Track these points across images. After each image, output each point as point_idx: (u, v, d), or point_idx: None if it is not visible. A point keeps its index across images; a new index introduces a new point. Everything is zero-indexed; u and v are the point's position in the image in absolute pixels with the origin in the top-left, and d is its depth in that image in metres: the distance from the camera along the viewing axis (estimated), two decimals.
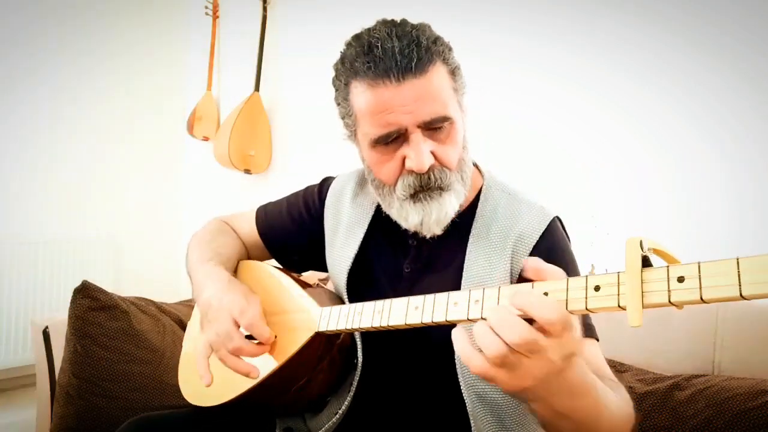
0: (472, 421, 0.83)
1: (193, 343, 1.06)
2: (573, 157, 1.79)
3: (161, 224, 3.09)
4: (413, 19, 0.88)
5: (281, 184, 2.71)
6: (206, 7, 2.92)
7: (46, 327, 1.49)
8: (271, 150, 2.72)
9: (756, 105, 1.48)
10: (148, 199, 3.04)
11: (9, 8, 2.53)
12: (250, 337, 0.87)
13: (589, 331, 0.85)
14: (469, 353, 0.57)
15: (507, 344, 0.54)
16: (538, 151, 1.86)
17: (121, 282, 2.78)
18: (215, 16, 2.94)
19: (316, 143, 2.57)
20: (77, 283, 1.38)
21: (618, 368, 1.32)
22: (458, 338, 0.58)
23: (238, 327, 0.86)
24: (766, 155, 1.47)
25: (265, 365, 0.86)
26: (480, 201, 0.92)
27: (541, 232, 0.86)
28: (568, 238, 0.93)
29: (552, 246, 0.87)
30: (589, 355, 0.79)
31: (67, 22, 2.71)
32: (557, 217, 0.91)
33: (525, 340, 0.53)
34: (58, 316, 1.51)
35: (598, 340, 0.86)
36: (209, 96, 2.92)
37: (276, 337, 0.88)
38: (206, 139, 2.88)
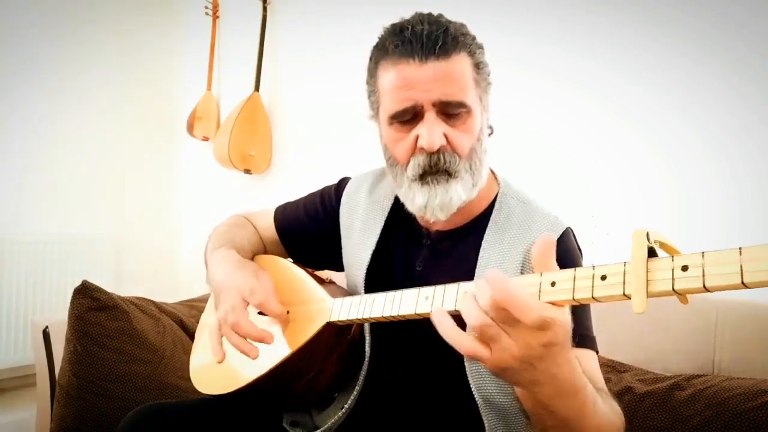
0: (486, 423, 0.83)
1: (206, 324, 1.08)
2: (573, 157, 1.79)
3: (161, 224, 3.09)
4: None
5: (281, 184, 2.71)
6: (206, 7, 2.92)
7: (46, 327, 1.49)
8: (271, 150, 2.72)
9: (756, 105, 1.48)
10: (148, 199, 3.04)
11: (9, 8, 2.53)
12: (262, 315, 0.89)
13: (588, 342, 0.85)
14: (457, 334, 0.59)
15: (484, 312, 0.57)
16: (538, 151, 1.86)
17: (121, 282, 2.78)
18: (215, 16, 2.94)
19: (316, 143, 2.57)
20: (77, 283, 1.38)
21: (618, 368, 1.32)
22: (443, 321, 0.60)
23: (247, 305, 0.88)
24: (766, 155, 1.47)
25: (276, 354, 0.87)
26: (495, 208, 0.93)
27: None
28: (579, 249, 0.94)
29: (562, 257, 0.87)
30: (584, 367, 0.79)
31: (67, 21, 2.71)
32: (570, 228, 0.92)
33: (477, 323, 0.57)
34: (58, 316, 1.51)
35: (597, 352, 0.86)
36: (209, 96, 2.92)
37: (288, 312, 0.90)
38: (206, 139, 2.88)
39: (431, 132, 0.82)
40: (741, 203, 1.50)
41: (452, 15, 0.98)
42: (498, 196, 0.95)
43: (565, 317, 0.58)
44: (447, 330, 0.59)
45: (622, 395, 1.20)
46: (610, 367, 1.32)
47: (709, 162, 1.55)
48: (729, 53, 1.52)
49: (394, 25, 0.87)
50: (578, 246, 0.94)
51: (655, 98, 1.65)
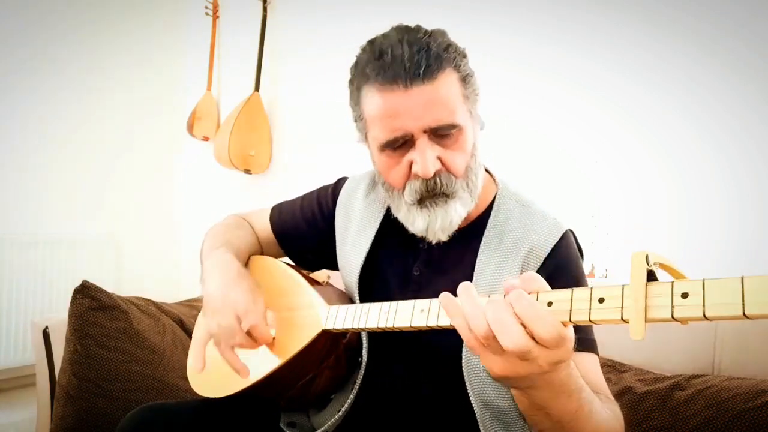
0: (481, 427, 0.83)
1: (196, 339, 1.08)
2: (573, 157, 1.79)
3: (161, 224, 3.09)
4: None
5: (281, 184, 2.71)
6: (206, 7, 2.92)
7: (46, 327, 1.49)
8: (271, 150, 2.72)
9: (756, 105, 1.48)
10: (148, 199, 3.04)
11: (10, 8, 2.53)
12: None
13: (590, 346, 0.85)
14: (461, 324, 0.59)
15: (501, 346, 0.56)
16: (539, 151, 1.86)
17: (121, 282, 2.78)
18: (215, 16, 2.94)
19: (316, 143, 2.57)
20: (77, 283, 1.38)
21: (618, 368, 1.32)
22: (451, 306, 0.60)
23: (241, 323, 0.87)
24: (766, 155, 1.47)
25: (272, 360, 0.87)
26: (493, 210, 0.92)
27: (553, 244, 0.86)
28: (580, 251, 0.93)
29: (562, 259, 0.87)
30: (586, 370, 0.79)
31: (67, 21, 2.71)
32: (570, 230, 0.91)
33: (519, 349, 0.55)
34: (58, 316, 1.51)
35: (598, 355, 0.86)
36: (209, 96, 2.92)
37: (274, 339, 0.89)
38: (206, 139, 2.88)
39: (425, 159, 0.81)
40: (741, 203, 1.50)
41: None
42: (496, 198, 0.93)
43: (572, 334, 0.59)
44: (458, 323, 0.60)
45: (622, 395, 1.20)
46: (610, 367, 1.32)
47: (709, 162, 1.55)
48: (729, 53, 1.52)
49: (372, 46, 0.84)
50: (579, 247, 0.93)
51: (655, 98, 1.65)
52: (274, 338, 0.89)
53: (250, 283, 0.93)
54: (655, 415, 1.16)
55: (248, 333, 0.87)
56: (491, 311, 0.57)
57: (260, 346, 0.88)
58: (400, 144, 0.83)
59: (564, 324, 0.57)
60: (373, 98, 0.83)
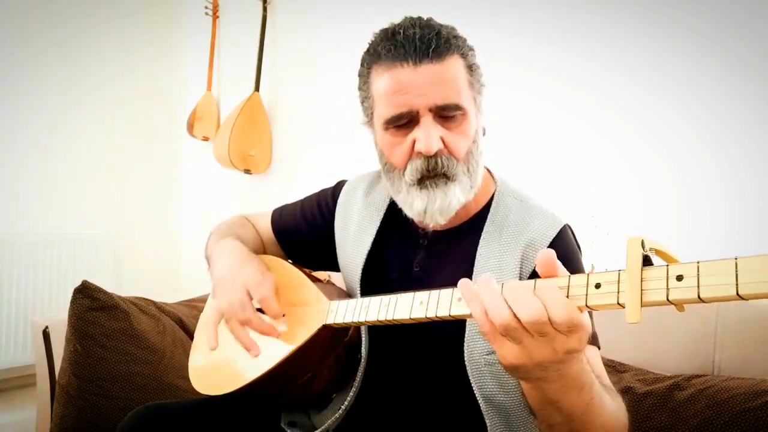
0: (487, 421, 0.84)
1: (205, 322, 1.09)
2: (573, 157, 1.80)
3: (161, 224, 3.09)
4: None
5: (281, 184, 2.71)
6: (206, 7, 2.92)
7: (46, 327, 1.49)
8: (271, 150, 2.72)
9: (756, 105, 1.48)
10: (148, 199, 3.04)
11: (10, 8, 2.53)
12: (260, 312, 0.90)
13: (592, 339, 0.85)
14: (481, 316, 0.59)
15: (517, 318, 0.56)
16: (538, 151, 1.86)
17: (121, 282, 2.78)
18: (215, 16, 2.94)
19: (316, 143, 2.57)
20: (77, 283, 1.38)
21: (618, 368, 1.32)
22: (472, 299, 0.60)
23: (251, 299, 0.89)
24: (766, 155, 1.47)
25: (273, 355, 0.87)
26: (492, 206, 0.93)
27: (551, 238, 0.87)
28: (578, 246, 0.93)
29: (561, 253, 0.87)
30: (590, 362, 0.79)
31: (67, 22, 2.71)
32: (568, 225, 0.92)
33: (535, 319, 0.55)
34: (58, 316, 1.51)
35: (599, 348, 0.86)
36: (209, 96, 2.92)
37: (284, 315, 0.90)
38: (206, 139, 2.88)
39: (428, 136, 0.82)
40: (741, 203, 1.50)
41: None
42: (495, 195, 0.94)
43: (588, 322, 0.59)
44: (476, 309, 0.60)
45: (622, 395, 1.20)
46: (611, 367, 1.32)
47: (709, 162, 1.55)
48: (729, 53, 1.52)
49: (384, 30, 0.87)
50: (577, 243, 0.94)
51: (655, 98, 1.65)
52: (284, 315, 0.90)
53: (260, 263, 0.95)
54: (655, 415, 1.16)
55: (258, 310, 0.89)
56: (508, 290, 0.58)
57: (269, 326, 0.89)
58: (405, 122, 0.84)
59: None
60: (382, 76, 0.85)
